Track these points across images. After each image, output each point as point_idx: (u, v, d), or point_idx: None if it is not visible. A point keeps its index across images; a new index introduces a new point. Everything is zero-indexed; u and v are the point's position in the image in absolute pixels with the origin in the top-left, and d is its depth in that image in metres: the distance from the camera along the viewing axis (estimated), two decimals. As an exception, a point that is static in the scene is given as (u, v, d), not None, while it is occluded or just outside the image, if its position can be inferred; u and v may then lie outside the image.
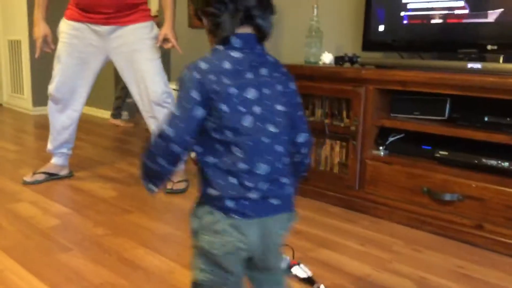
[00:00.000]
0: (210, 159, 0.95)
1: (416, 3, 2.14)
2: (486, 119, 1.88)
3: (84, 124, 4.36)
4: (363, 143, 2.17)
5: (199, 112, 0.93)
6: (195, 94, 0.92)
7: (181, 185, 2.47)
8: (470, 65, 1.87)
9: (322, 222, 2.07)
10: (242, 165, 0.93)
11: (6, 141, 3.53)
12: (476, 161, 1.86)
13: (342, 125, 2.27)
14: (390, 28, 2.26)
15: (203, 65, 0.95)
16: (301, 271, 1.57)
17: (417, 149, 2.08)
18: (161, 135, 0.94)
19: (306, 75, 2.35)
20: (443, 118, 2.03)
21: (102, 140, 3.59)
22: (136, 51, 2.39)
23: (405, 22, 2.19)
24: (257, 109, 0.95)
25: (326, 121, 2.33)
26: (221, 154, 0.94)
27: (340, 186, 2.27)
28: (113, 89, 4.50)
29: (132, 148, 3.36)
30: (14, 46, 4.99)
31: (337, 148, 2.31)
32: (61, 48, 2.43)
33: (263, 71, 0.98)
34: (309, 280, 1.54)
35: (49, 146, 2.59)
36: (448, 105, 2.03)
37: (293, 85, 1.03)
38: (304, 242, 1.84)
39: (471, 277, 1.60)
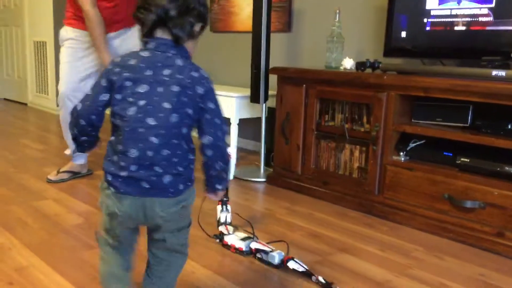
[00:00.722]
0: (111, 138, 1.15)
1: (440, 10, 2.14)
2: (509, 126, 1.86)
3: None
4: (383, 148, 2.17)
5: (104, 97, 1.13)
6: (103, 82, 1.13)
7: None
8: (494, 72, 1.86)
9: (341, 227, 2.07)
10: (120, 147, 1.11)
11: (31, 140, 3.61)
12: (498, 169, 1.85)
13: (362, 130, 2.27)
14: (412, 34, 2.26)
15: (117, 60, 1.15)
16: (297, 265, 1.60)
17: (439, 156, 2.07)
18: (74, 109, 1.17)
19: (327, 80, 2.36)
20: (466, 125, 2.02)
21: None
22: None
23: (427, 28, 2.19)
24: (142, 102, 1.10)
25: (346, 126, 2.33)
26: (114, 135, 1.14)
27: (360, 190, 2.27)
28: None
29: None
30: (40, 47, 5.10)
31: (356, 153, 2.31)
32: (67, 53, 2.54)
33: (166, 71, 1.11)
34: (307, 273, 1.58)
35: (66, 151, 2.72)
36: (470, 112, 2.01)
37: (201, 90, 1.13)
38: (323, 246, 1.85)
39: (492, 285, 1.59)
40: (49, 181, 2.53)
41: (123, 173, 1.10)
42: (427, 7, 2.17)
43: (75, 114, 1.17)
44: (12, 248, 1.72)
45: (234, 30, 3.61)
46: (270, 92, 2.81)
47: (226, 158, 1.20)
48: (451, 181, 1.95)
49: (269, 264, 1.67)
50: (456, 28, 2.10)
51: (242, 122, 3.27)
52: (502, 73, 1.84)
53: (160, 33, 1.14)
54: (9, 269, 1.56)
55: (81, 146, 1.24)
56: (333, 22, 2.55)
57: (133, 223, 1.18)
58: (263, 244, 1.73)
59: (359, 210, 2.27)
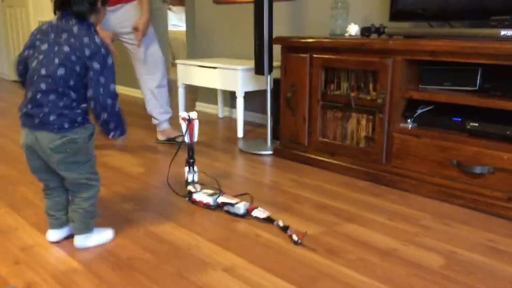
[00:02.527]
0: None
1: (446, -31, 2.05)
2: (520, 88, 1.80)
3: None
4: (390, 116, 2.12)
5: (25, 52, 1.51)
6: (27, 41, 1.52)
7: (179, 139, 2.84)
8: (503, 32, 1.78)
9: (348, 197, 2.05)
10: (25, 91, 1.49)
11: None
12: (508, 132, 1.80)
13: (369, 98, 2.22)
14: (419, -4, 2.17)
15: (39, 26, 1.53)
16: (260, 213, 1.78)
17: (447, 121, 2.02)
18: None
19: (331, 48, 2.30)
20: (474, 88, 1.96)
21: (130, 117, 3.63)
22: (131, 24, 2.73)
23: (434, -11, 2.11)
24: (41, 57, 1.45)
25: (352, 94, 2.28)
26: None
27: (367, 160, 2.24)
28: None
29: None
30: (44, 27, 5.08)
31: (363, 122, 2.27)
32: None
33: (63, 35, 1.46)
34: (268, 219, 1.75)
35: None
36: (479, 75, 1.95)
37: (88, 52, 1.44)
38: (330, 217, 1.83)
39: (502, 251, 1.56)
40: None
41: (24, 110, 1.47)
42: (433, -34, 2.08)
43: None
44: (19, 228, 1.73)
45: (237, 0, 3.53)
46: (275, 64, 2.76)
47: (110, 111, 1.49)
48: (460, 146, 1.91)
49: (235, 215, 1.83)
50: (463, -13, 2.02)
51: (248, 95, 3.23)
52: (511, 32, 1.76)
53: (68, 9, 1.46)
54: (15, 248, 1.57)
55: (22, 85, 1.58)
56: (337, -12, 2.48)
57: (34, 155, 1.50)
58: (229, 198, 1.89)
59: (367, 180, 2.24)
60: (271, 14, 2.61)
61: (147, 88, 2.84)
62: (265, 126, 3.40)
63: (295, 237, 1.60)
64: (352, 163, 2.30)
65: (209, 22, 3.83)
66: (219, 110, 3.85)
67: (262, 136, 3.10)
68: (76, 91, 1.45)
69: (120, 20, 2.72)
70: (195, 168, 2.05)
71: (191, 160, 2.03)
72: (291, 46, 2.47)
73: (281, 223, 1.70)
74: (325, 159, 2.42)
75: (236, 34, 3.62)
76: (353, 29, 2.37)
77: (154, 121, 2.94)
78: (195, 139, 2.03)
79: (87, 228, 1.58)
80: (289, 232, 1.64)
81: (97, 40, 1.46)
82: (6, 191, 2.11)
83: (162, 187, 2.17)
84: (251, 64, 3.07)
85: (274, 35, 2.64)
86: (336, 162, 2.37)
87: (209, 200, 1.89)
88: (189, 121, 2.00)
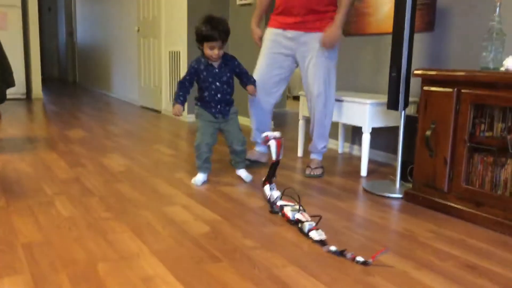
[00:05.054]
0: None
1: None
2: None
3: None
4: (560, 165, 1.77)
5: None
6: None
7: (318, 171, 2.88)
8: None
9: (503, 258, 1.72)
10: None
11: (163, 145, 3.73)
12: None
13: (531, 142, 1.89)
14: None
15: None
16: (316, 234, 1.83)
17: None
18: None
19: (485, 83, 2.01)
20: None
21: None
22: (316, 57, 2.74)
23: None
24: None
25: (509, 136, 1.96)
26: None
27: (526, 216, 1.89)
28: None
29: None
30: (174, 56, 5.33)
31: (522, 170, 1.93)
32: (261, 51, 2.90)
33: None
34: (321, 242, 1.80)
35: (252, 137, 3.05)
36: None
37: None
38: (484, 281, 1.53)
39: None
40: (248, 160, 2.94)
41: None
42: None
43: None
44: (141, 255, 1.68)
45: (368, 32, 3.36)
46: (410, 99, 2.52)
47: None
48: None
49: (304, 233, 1.90)
50: None
51: (373, 131, 3.01)
52: None
53: None
54: (136, 278, 1.50)
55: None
56: (492, 17, 2.19)
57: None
58: (304, 216, 1.97)
59: (524, 239, 1.88)
60: (411, 45, 2.40)
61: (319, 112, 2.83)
62: (389, 165, 3.15)
63: (360, 259, 1.63)
64: (504, 217, 1.96)
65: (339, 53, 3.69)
66: (339, 145, 3.66)
67: (387, 176, 2.84)
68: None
69: (304, 49, 2.76)
70: (274, 185, 2.29)
71: (274, 178, 2.29)
72: (434, 79, 2.22)
73: (333, 248, 1.73)
74: (469, 210, 2.10)
75: (362, 67, 3.44)
76: (512, 63, 2.06)
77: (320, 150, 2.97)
78: (280, 157, 2.28)
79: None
80: (349, 256, 1.67)
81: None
82: (131, 214, 2.11)
83: (284, 224, 2.02)
84: (379, 98, 2.86)
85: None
86: (483, 214, 2.04)
87: (290, 215, 2.01)
88: (277, 140, 2.22)
